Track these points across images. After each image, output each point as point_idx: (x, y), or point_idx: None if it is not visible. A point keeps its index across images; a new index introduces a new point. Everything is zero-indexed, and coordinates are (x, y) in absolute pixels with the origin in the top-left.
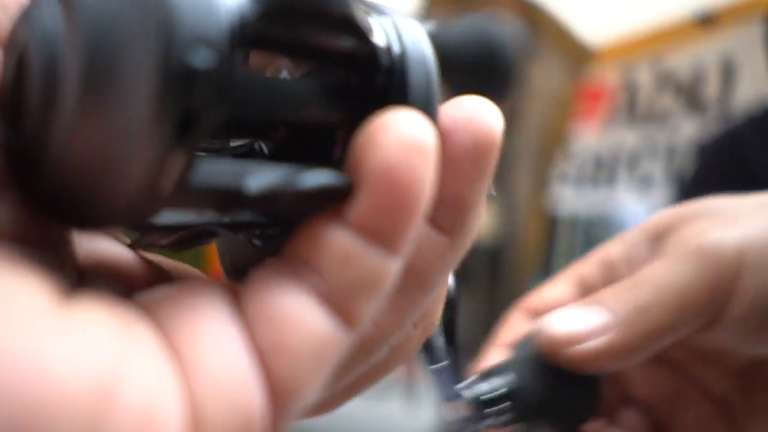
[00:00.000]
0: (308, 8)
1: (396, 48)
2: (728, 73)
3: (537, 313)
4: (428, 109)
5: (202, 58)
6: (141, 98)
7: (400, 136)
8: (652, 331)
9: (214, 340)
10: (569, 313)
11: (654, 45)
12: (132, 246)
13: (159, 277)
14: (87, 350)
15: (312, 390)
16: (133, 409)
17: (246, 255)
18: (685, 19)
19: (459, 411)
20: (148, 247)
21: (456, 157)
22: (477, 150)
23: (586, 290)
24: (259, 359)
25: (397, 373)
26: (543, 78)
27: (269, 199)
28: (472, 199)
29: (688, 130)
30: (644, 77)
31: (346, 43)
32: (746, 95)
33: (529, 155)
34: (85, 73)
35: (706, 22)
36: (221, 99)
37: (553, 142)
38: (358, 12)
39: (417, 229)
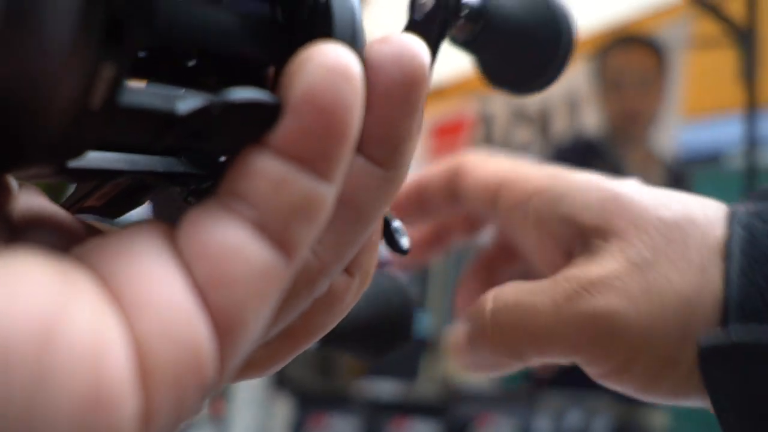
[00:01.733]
0: None
1: None
2: (573, 106)
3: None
4: (354, 44)
5: None
6: (66, 10)
7: (324, 62)
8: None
9: (153, 279)
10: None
11: None
12: (66, 206)
13: (94, 233)
14: (24, 296)
15: (258, 323)
16: (78, 350)
17: (178, 212)
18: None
19: None
20: (83, 212)
21: (386, 91)
22: (406, 83)
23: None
24: (200, 294)
25: (205, 408)
26: None
27: (199, 120)
28: (404, 131)
29: (543, 160)
30: (498, 109)
31: None
32: (591, 127)
33: None
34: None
35: None
36: (149, 10)
37: None
38: None
39: (348, 155)
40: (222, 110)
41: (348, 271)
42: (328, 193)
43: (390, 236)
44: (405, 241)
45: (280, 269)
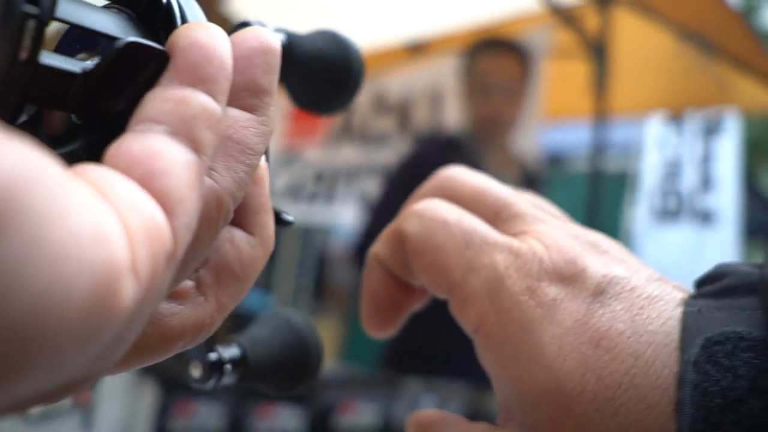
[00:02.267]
0: None
1: None
2: (435, 99)
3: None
4: None
5: None
6: None
7: (201, 25)
8: None
9: (112, 179)
10: None
11: (369, 66)
12: None
13: None
14: (49, 164)
15: (193, 206)
16: (85, 204)
17: None
18: (398, 44)
19: (196, 370)
20: None
21: (248, 56)
22: (263, 48)
23: None
24: (143, 187)
25: (72, 399)
26: None
27: (103, 72)
28: (266, 84)
29: (403, 150)
30: (360, 97)
31: None
32: (453, 120)
33: None
34: None
35: (417, 49)
36: None
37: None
38: None
39: (227, 85)
40: (117, 56)
41: (248, 230)
42: (219, 109)
43: (276, 216)
44: (288, 217)
45: (197, 163)
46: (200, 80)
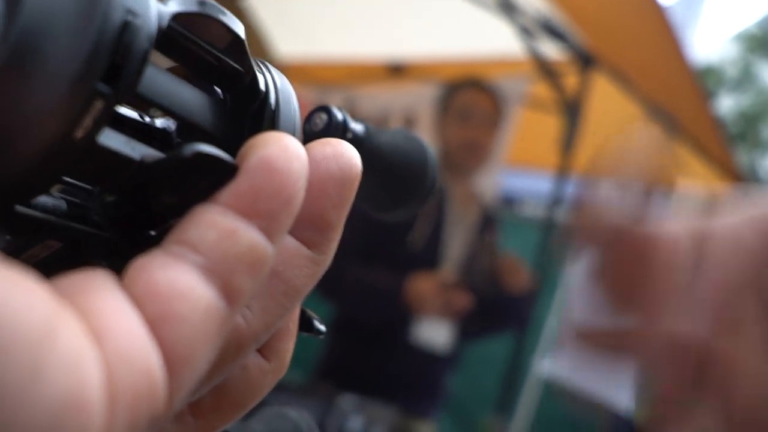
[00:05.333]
0: (212, 25)
1: (270, 83)
2: (409, 122)
3: None
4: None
5: (135, 21)
6: (78, 46)
7: (280, 142)
8: None
9: (114, 312)
10: None
11: (347, 78)
12: (9, 253)
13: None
14: (33, 299)
15: (202, 363)
16: (66, 357)
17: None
18: (379, 62)
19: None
20: (26, 261)
21: (323, 182)
22: (342, 178)
23: None
24: (151, 329)
25: None
26: None
27: (163, 170)
28: (334, 220)
29: None
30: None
31: (234, 65)
32: None
33: None
34: (18, 32)
35: (398, 70)
36: (142, 58)
37: None
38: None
39: (289, 222)
40: (182, 161)
41: (265, 355)
42: (271, 250)
43: (307, 322)
44: (320, 325)
45: (224, 314)
46: (259, 214)
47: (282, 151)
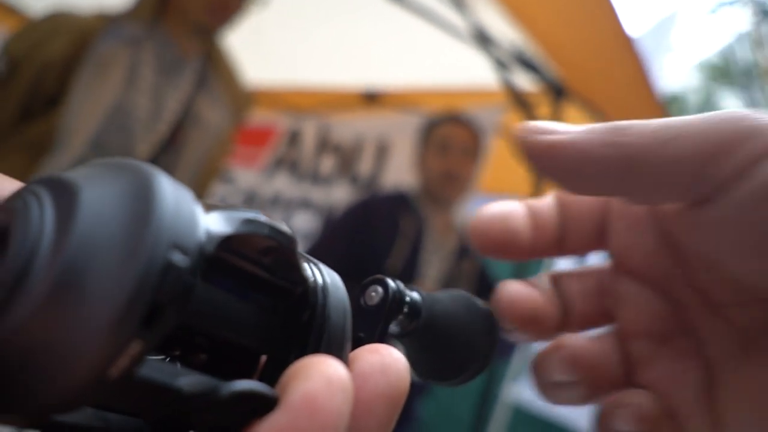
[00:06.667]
0: (264, 243)
1: (321, 289)
2: (382, 150)
3: None
4: (342, 348)
5: (178, 259)
6: (118, 288)
7: (324, 372)
8: (625, 145)
9: None
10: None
11: (322, 106)
12: None
13: None
14: None
15: None
16: None
17: None
18: (354, 90)
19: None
20: None
21: (370, 402)
22: (390, 395)
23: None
24: None
25: None
26: (211, 114)
27: (200, 401)
28: None
29: (340, 194)
30: (308, 133)
31: (283, 277)
32: (394, 174)
33: (187, 180)
34: (62, 266)
35: (373, 98)
36: (186, 299)
37: (210, 174)
38: (300, 255)
39: None
40: (225, 397)
41: None
42: None
43: None
44: None
45: None
46: None
47: (325, 385)
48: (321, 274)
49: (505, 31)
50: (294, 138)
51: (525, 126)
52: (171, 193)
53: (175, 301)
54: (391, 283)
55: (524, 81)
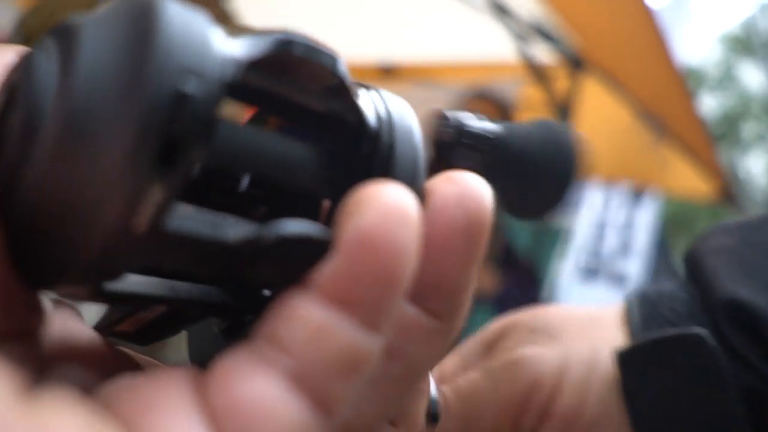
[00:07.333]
0: (300, 64)
1: (383, 117)
2: None
3: None
4: (414, 181)
5: (192, 86)
6: (124, 124)
7: (382, 204)
8: None
9: None
10: None
11: None
12: (99, 330)
13: (123, 363)
14: None
15: None
16: None
17: (214, 345)
18: (372, 64)
19: (442, 134)
20: (115, 336)
21: (447, 236)
22: (470, 229)
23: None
24: None
25: None
26: None
27: (247, 251)
28: (463, 281)
29: None
30: None
31: (333, 105)
32: None
33: None
34: (68, 111)
35: (389, 72)
36: (205, 132)
37: None
38: (348, 77)
39: (397, 304)
40: (271, 242)
41: (393, 422)
42: (373, 344)
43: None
44: (438, 411)
45: (316, 428)
46: (358, 302)
47: (383, 218)
48: (382, 100)
49: (522, 2)
50: None
51: None
52: (178, 12)
53: (194, 135)
54: (466, 116)
55: (542, 53)
